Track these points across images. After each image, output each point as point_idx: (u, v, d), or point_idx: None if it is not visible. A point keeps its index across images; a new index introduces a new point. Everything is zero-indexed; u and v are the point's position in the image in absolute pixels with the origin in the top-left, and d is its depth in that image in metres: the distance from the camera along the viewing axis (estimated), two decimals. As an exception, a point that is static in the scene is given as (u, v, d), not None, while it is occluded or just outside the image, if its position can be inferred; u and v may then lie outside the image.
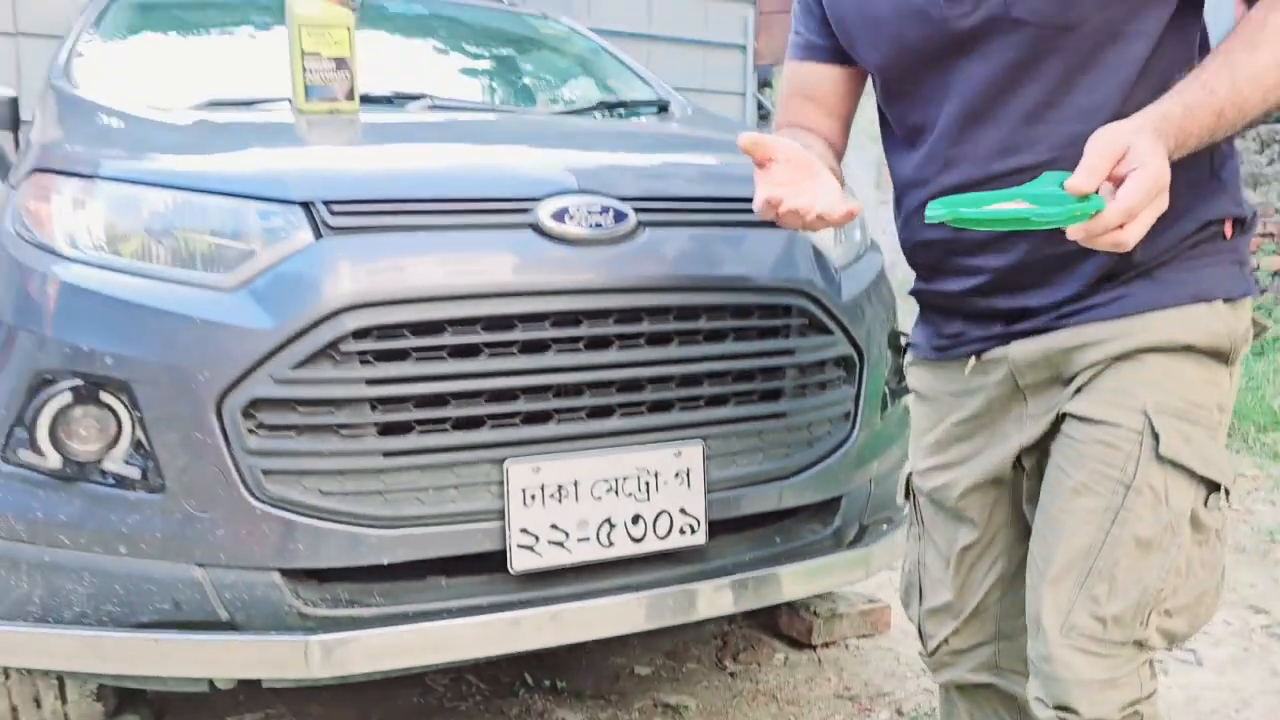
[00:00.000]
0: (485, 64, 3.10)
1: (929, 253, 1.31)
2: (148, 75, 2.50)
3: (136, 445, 1.57)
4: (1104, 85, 1.15)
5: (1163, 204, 0.99)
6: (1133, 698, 1.19)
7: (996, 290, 1.25)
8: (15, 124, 2.69)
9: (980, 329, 1.29)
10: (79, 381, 1.56)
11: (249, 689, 2.31)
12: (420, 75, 2.70)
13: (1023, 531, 1.33)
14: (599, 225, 1.68)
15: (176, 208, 1.65)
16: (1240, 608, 3.03)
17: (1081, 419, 1.19)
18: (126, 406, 1.56)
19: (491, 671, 2.51)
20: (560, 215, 1.67)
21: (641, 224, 1.72)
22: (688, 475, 1.73)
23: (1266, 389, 4.92)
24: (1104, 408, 1.17)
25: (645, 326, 1.71)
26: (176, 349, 1.54)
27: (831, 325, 1.89)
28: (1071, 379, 1.21)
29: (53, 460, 1.57)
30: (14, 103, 2.67)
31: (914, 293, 1.40)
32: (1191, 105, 1.04)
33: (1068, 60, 1.15)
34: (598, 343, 1.68)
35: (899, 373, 2.16)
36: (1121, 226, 0.98)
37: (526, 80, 3.07)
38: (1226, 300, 1.20)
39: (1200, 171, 1.17)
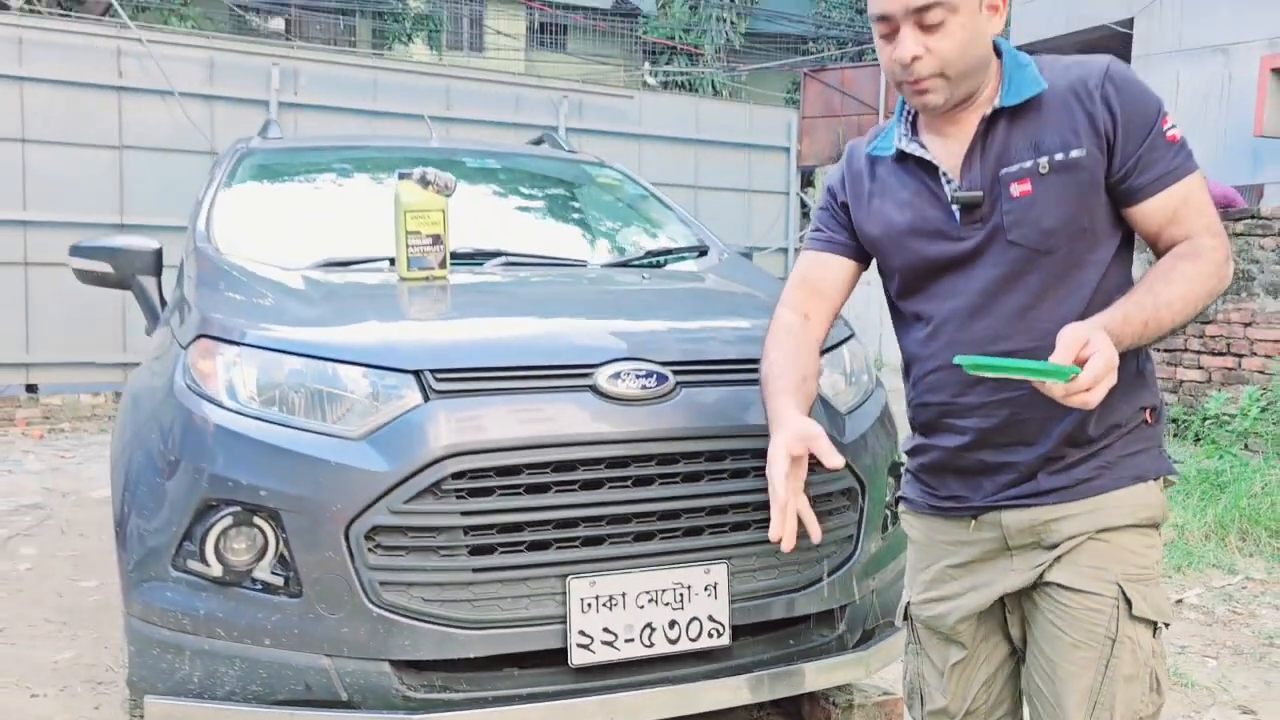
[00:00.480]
0: (550, 215, 3.59)
1: (927, 412, 1.69)
2: (273, 235, 3.00)
3: (281, 559, 2.00)
4: (1071, 297, 1.57)
5: (1113, 379, 1.38)
6: None
7: (982, 446, 1.63)
8: (159, 270, 3.21)
9: (971, 489, 1.66)
10: (238, 508, 2.01)
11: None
12: (496, 229, 3.19)
13: (1000, 645, 1.73)
14: (645, 387, 2.11)
15: (312, 372, 2.11)
16: (1230, 708, 3.29)
17: (1070, 589, 1.59)
18: (274, 529, 2.00)
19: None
20: (614, 378, 2.10)
21: (679, 384, 2.15)
22: (715, 589, 2.12)
23: (1275, 496, 5.16)
24: (1086, 580, 1.58)
25: (681, 468, 2.12)
26: (315, 485, 1.98)
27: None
28: (1053, 546, 1.60)
29: (215, 569, 2.01)
30: (159, 253, 3.19)
31: (909, 451, 1.78)
32: (1128, 316, 1.46)
33: (1045, 276, 1.57)
34: (642, 481, 2.09)
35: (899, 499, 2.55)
36: (1088, 390, 1.37)
37: (586, 229, 3.54)
38: (1156, 479, 1.63)
39: (1130, 370, 1.58)
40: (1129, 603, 1.56)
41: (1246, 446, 6.51)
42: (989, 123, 1.56)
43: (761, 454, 2.17)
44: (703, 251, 3.34)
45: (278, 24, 16.26)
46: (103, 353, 8.31)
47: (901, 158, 1.65)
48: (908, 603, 1.81)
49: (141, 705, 2.08)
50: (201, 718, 2.02)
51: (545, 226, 3.52)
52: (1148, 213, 1.56)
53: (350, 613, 1.96)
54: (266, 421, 2.07)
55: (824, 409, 2.31)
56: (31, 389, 8.26)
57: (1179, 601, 4.25)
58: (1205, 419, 6.58)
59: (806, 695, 3.02)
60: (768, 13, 16.76)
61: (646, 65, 15.02)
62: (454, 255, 2.69)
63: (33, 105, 7.95)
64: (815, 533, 1.67)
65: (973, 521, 1.67)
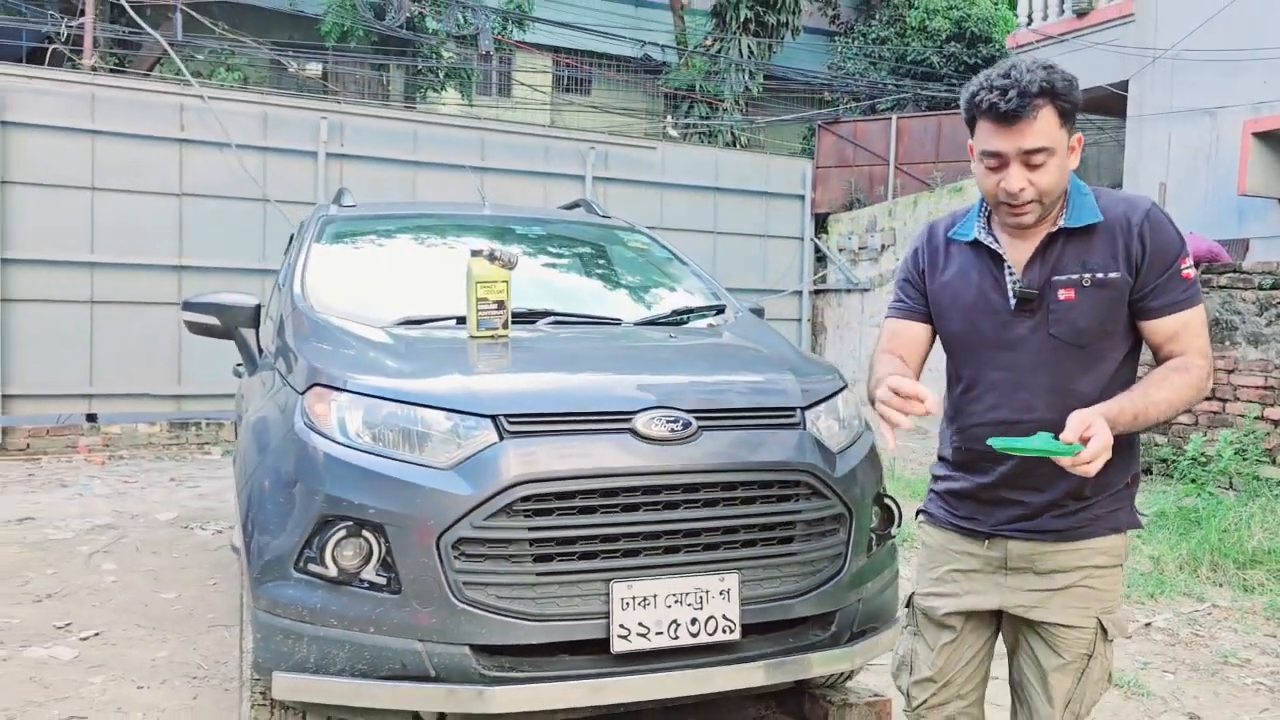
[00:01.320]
0: (588, 276, 4.14)
1: (963, 454, 2.19)
2: (356, 295, 3.53)
3: (384, 563, 2.52)
4: (1092, 382, 2.05)
5: (1107, 455, 1.85)
6: None
7: (1002, 486, 2.12)
8: (258, 323, 3.76)
9: (985, 515, 2.16)
10: (350, 522, 2.53)
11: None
12: (543, 290, 3.72)
13: (982, 635, 2.23)
14: (673, 430, 2.63)
15: (408, 414, 2.64)
16: (1179, 714, 3.75)
17: (1064, 625, 2.11)
18: (379, 539, 2.52)
19: (584, 736, 3.37)
20: (648, 423, 2.62)
21: (700, 428, 2.67)
22: (728, 593, 2.63)
23: (1244, 532, 5.61)
24: (1075, 618, 2.11)
25: (701, 495, 2.63)
26: (413, 505, 2.50)
27: (828, 493, 2.78)
28: (1043, 574, 2.11)
29: (331, 571, 2.53)
30: (258, 308, 3.74)
31: (939, 476, 2.26)
32: (1123, 409, 1.94)
33: (1074, 364, 2.06)
34: (670, 505, 2.61)
35: (886, 524, 3.05)
36: (1088, 463, 1.84)
37: (619, 289, 4.08)
38: (1128, 529, 2.16)
39: (1130, 449, 2.10)
40: (1104, 630, 2.13)
41: (1231, 485, 6.96)
42: (1052, 238, 2.05)
43: (767, 485, 2.71)
44: (720, 310, 3.87)
45: (315, 69, 16.99)
46: (158, 386, 8.91)
47: (976, 245, 2.14)
48: (912, 593, 2.32)
49: (268, 680, 2.60)
50: (319, 688, 2.53)
51: (585, 287, 4.06)
52: (1155, 328, 2.05)
53: (439, 607, 2.47)
54: (372, 454, 2.60)
55: (817, 448, 2.82)
56: (92, 418, 8.85)
57: (1147, 625, 4.71)
58: (1189, 460, 7.03)
59: (807, 695, 3.53)
60: (783, 68, 17.39)
61: (669, 118, 15.64)
62: (511, 315, 3.22)
63: (102, 156, 8.61)
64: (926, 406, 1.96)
65: (986, 541, 2.17)
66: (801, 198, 12.29)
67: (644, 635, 2.54)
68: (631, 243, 4.42)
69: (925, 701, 2.25)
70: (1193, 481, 6.83)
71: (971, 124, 2.04)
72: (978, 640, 2.23)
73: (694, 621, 2.58)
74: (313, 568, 2.55)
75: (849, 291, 12.66)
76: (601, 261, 4.29)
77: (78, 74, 9.15)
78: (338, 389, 2.73)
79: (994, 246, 2.11)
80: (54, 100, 8.45)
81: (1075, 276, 2.03)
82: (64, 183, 8.48)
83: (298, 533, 2.59)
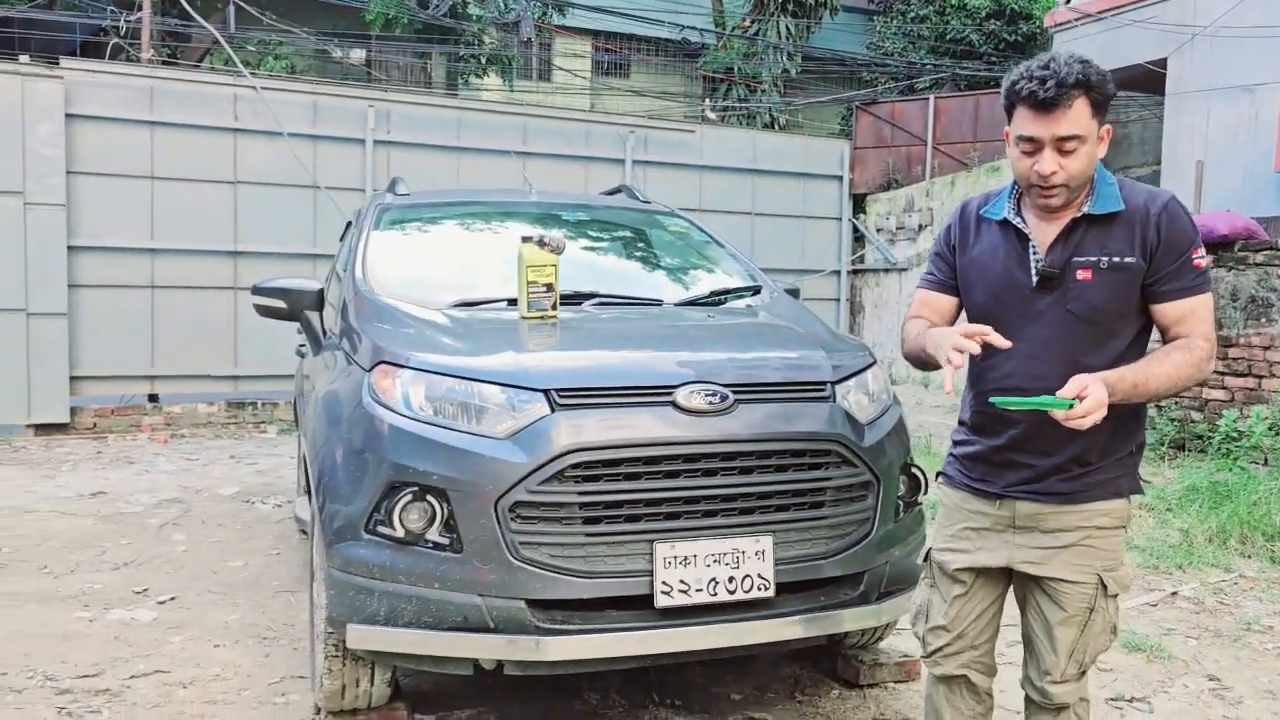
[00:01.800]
0: (631, 259, 4.34)
1: (980, 418, 2.37)
2: (413, 278, 3.76)
3: (447, 525, 2.75)
4: (1102, 357, 2.22)
5: (1100, 414, 2.03)
6: (1082, 695, 2.38)
7: (1013, 449, 2.30)
8: (321, 305, 4.01)
9: (996, 477, 2.34)
10: (416, 487, 2.76)
11: (467, 689, 3.48)
12: (588, 273, 3.92)
13: (993, 590, 2.41)
14: (711, 403, 2.83)
15: (467, 388, 2.86)
16: (1200, 676, 3.90)
17: (1067, 581, 2.29)
18: (442, 503, 2.75)
19: (630, 691, 3.60)
20: (688, 396, 2.83)
21: (736, 401, 2.87)
22: (763, 554, 2.83)
23: (1274, 505, 5.71)
24: (1077, 573, 2.28)
25: (737, 463, 2.84)
26: (473, 471, 2.73)
27: (857, 461, 2.97)
28: (1048, 532, 2.29)
29: (398, 532, 2.77)
30: (321, 292, 3.99)
31: (957, 440, 2.45)
32: (1123, 376, 2.11)
33: (1087, 340, 2.23)
34: (709, 473, 2.81)
35: (913, 491, 3.23)
36: (1081, 417, 2.02)
37: (660, 272, 4.29)
38: (1130, 495, 2.34)
39: (1135, 419, 2.28)
40: (1105, 587, 2.31)
41: (1266, 461, 7.03)
42: (1076, 222, 2.23)
43: (798, 454, 2.91)
44: (756, 290, 4.05)
45: (359, 55, 17.29)
46: (216, 367, 9.26)
47: (1005, 225, 2.31)
48: (929, 548, 2.51)
49: (341, 632, 2.85)
50: (389, 638, 2.77)
51: (628, 269, 4.27)
52: (1165, 311, 2.23)
53: (497, 564, 2.70)
54: (434, 425, 2.83)
55: (847, 419, 3.01)
56: (153, 398, 9.23)
57: (1174, 594, 4.85)
58: (1222, 435, 7.11)
59: (840, 656, 3.74)
60: (821, 50, 17.41)
61: (707, 101, 15.75)
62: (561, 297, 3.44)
63: (160, 146, 8.95)
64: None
65: (997, 501, 2.35)
66: (839, 178, 12.38)
67: (685, 592, 2.75)
68: (671, 227, 4.61)
69: (940, 649, 2.44)
70: (1225, 456, 6.92)
71: (1010, 110, 2.21)
72: (988, 596, 2.42)
73: (731, 579, 2.79)
74: (382, 529, 2.79)
75: (887, 271, 12.75)
76: (643, 245, 4.49)
77: (137, 67, 9.49)
78: (401, 366, 2.96)
79: (1021, 227, 2.28)
80: (116, 93, 8.79)
81: (1094, 259, 2.21)
82: (125, 172, 8.83)
83: (367, 498, 2.82)
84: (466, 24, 14.86)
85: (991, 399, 2.14)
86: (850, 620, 2.99)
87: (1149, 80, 10.69)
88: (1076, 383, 2.05)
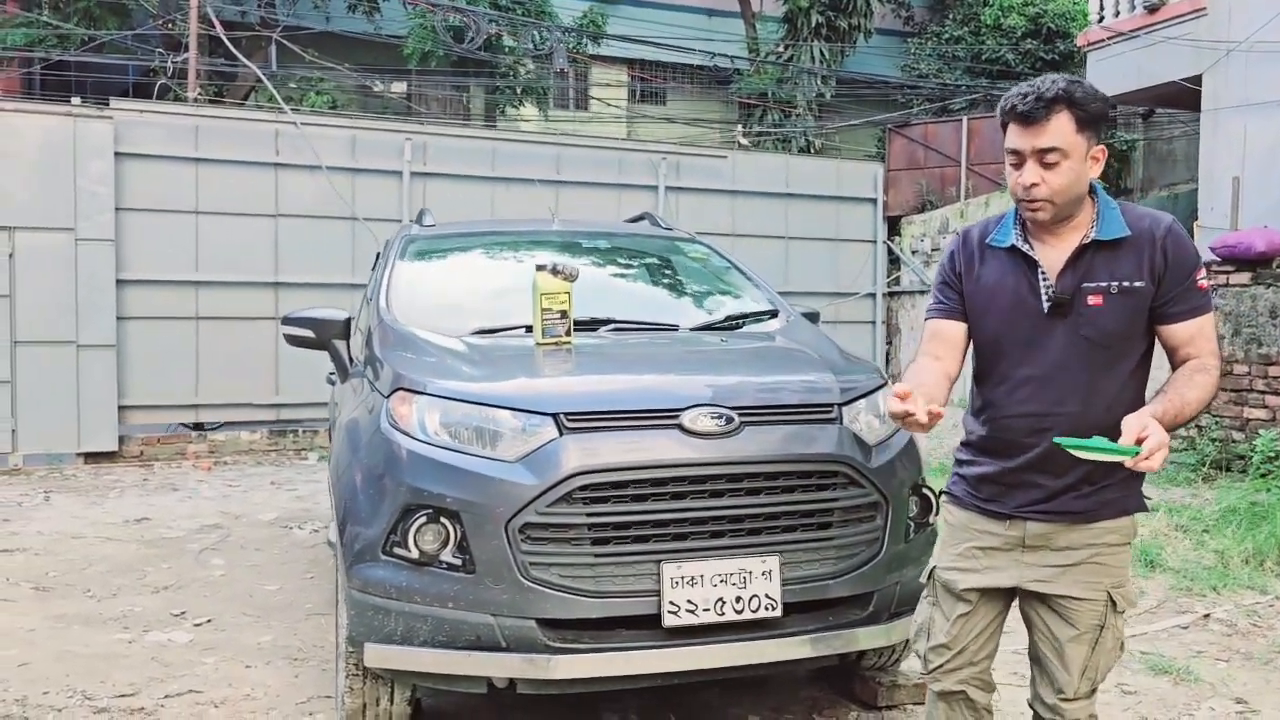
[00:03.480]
0: (649, 285, 4.42)
1: (992, 442, 2.39)
2: (435, 307, 3.87)
3: (460, 546, 2.83)
4: (1113, 380, 2.27)
5: (1166, 452, 2.05)
6: (1091, 712, 2.39)
7: (1025, 471, 2.33)
8: (348, 335, 4.14)
9: (1006, 497, 2.36)
10: (430, 510, 2.84)
11: (486, 708, 3.54)
12: (606, 299, 4.00)
13: (996, 609, 2.43)
14: (717, 425, 2.89)
15: (480, 413, 2.95)
16: (1227, 699, 3.85)
17: (1076, 598, 2.32)
18: (455, 525, 2.82)
19: (647, 710, 3.64)
20: (694, 419, 2.89)
21: (743, 423, 2.92)
22: (770, 574, 2.87)
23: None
24: (1086, 591, 2.32)
25: (743, 484, 2.88)
26: (485, 494, 2.80)
27: (864, 482, 3.01)
28: (1059, 550, 2.32)
29: (414, 554, 2.85)
30: (349, 321, 4.11)
31: (963, 460, 2.47)
32: (1166, 410, 2.15)
33: (1099, 361, 2.28)
34: (715, 494, 2.86)
35: (924, 512, 3.25)
36: (1148, 458, 2.03)
37: (678, 297, 4.36)
38: (1136, 512, 2.37)
39: None
40: (1114, 603, 2.34)
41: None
42: (1083, 248, 2.27)
43: (805, 475, 2.95)
44: (773, 314, 4.11)
45: (400, 87, 17.64)
46: (258, 396, 9.48)
47: (1012, 251, 2.34)
48: (934, 566, 2.53)
49: (360, 652, 2.94)
50: (405, 657, 2.85)
51: (646, 295, 4.35)
52: (1175, 332, 2.27)
53: (509, 585, 2.77)
54: (448, 449, 2.92)
55: (854, 441, 3.05)
56: (198, 427, 9.46)
57: (1206, 616, 4.79)
58: (1259, 455, 7.00)
59: (857, 677, 3.75)
60: (855, 73, 17.46)
61: (739, 126, 15.85)
62: (575, 323, 3.52)
63: (205, 182, 9.22)
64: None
65: (1007, 522, 2.38)
66: (873, 201, 12.38)
67: (692, 611, 2.80)
68: (691, 253, 4.69)
69: (940, 666, 2.46)
70: (1263, 477, 6.81)
71: (1005, 128, 2.27)
72: (990, 614, 2.44)
73: (738, 599, 2.83)
74: (398, 551, 2.88)
75: (922, 293, 12.70)
76: (662, 271, 4.57)
77: (182, 106, 9.80)
78: (418, 392, 3.06)
79: (1030, 253, 2.32)
80: (162, 132, 9.08)
81: (1104, 284, 2.25)
82: (172, 208, 9.10)
83: (385, 520, 2.91)
84: (501, 57, 15.14)
85: (1056, 439, 2.14)
86: (859, 640, 3.02)
87: (1185, 97, 10.60)
88: (1135, 426, 2.05)
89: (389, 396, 3.13)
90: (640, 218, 5.34)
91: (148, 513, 7.02)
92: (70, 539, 6.25)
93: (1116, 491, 2.31)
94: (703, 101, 19.61)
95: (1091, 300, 2.25)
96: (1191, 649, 4.38)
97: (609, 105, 17.53)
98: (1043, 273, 2.29)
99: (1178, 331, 2.26)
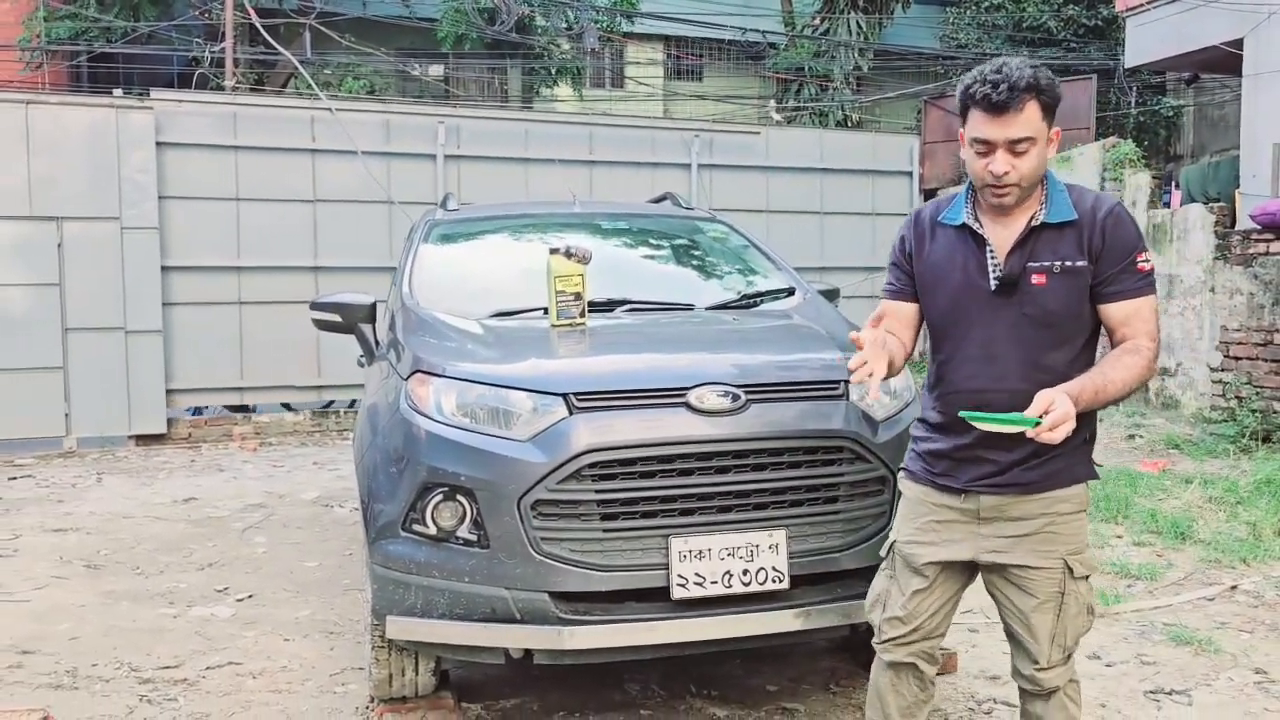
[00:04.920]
0: (667, 265, 4.48)
1: (942, 417, 2.46)
2: (456, 290, 3.96)
3: (475, 522, 2.93)
4: (1058, 358, 2.33)
5: (1070, 426, 2.12)
6: (1070, 678, 2.45)
7: (976, 446, 2.38)
8: (374, 318, 4.25)
9: (959, 472, 2.43)
10: (446, 488, 2.95)
11: (512, 680, 3.66)
12: (623, 280, 4.07)
13: (953, 585, 2.49)
14: (723, 403, 2.95)
15: (493, 394, 3.04)
16: (1247, 669, 3.86)
17: (1032, 567, 2.38)
18: (470, 502, 2.92)
19: (669, 682, 3.74)
20: (701, 397, 2.96)
21: (749, 401, 2.99)
22: (777, 548, 2.93)
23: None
24: (1041, 559, 2.37)
25: (750, 460, 2.95)
26: (498, 472, 2.90)
27: (871, 458, 3.06)
28: (1013, 520, 2.37)
29: (431, 530, 2.96)
30: (374, 305, 4.22)
31: (918, 436, 2.55)
32: (1084, 387, 2.21)
33: (1044, 340, 2.34)
34: (722, 470, 2.93)
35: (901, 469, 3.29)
36: (1050, 430, 2.11)
37: (695, 276, 4.42)
38: (1087, 480, 2.42)
39: (1090, 413, 2.33)
40: (1070, 570, 2.39)
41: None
42: (1031, 230, 2.33)
43: (811, 450, 3.01)
44: (790, 292, 4.16)
45: (437, 70, 17.77)
46: (301, 378, 9.68)
47: (963, 229, 2.40)
48: (893, 541, 2.59)
49: (383, 624, 3.06)
50: (425, 629, 2.96)
51: (663, 275, 4.41)
52: (1112, 311, 2.33)
53: (522, 559, 2.86)
54: (463, 429, 3.01)
55: (861, 417, 3.09)
56: (244, 409, 9.70)
57: (1233, 588, 4.77)
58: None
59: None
60: (893, 45, 17.26)
61: (771, 103, 15.76)
62: (591, 304, 3.59)
63: (244, 169, 9.40)
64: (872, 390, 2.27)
65: (962, 495, 2.44)
66: (909, 174, 12.29)
67: (700, 584, 2.88)
68: (711, 232, 4.74)
69: (894, 639, 2.52)
70: (1301, 448, 6.72)
71: (964, 113, 2.31)
72: (947, 592, 2.50)
73: (745, 572, 2.91)
74: (417, 528, 2.99)
75: (961, 266, 12.59)
76: (681, 251, 4.62)
77: (221, 95, 9.99)
78: (435, 375, 3.15)
79: (980, 231, 2.37)
80: (202, 120, 9.27)
81: (1047, 264, 2.31)
82: (212, 195, 9.30)
83: (404, 498, 3.02)
84: (534, 39, 15.19)
85: (961, 413, 2.24)
86: (860, 612, 3.06)
87: (1226, 62, 10.37)
88: (1042, 400, 2.13)
89: (408, 379, 3.23)
90: (662, 198, 5.39)
91: (195, 493, 7.24)
92: (121, 518, 6.48)
93: (1065, 461, 2.36)
94: (739, 77, 19.50)
95: (1035, 280, 2.30)
96: (1215, 620, 4.38)
97: (643, 84, 17.50)
98: (991, 252, 2.35)
99: (1114, 311, 2.31)
